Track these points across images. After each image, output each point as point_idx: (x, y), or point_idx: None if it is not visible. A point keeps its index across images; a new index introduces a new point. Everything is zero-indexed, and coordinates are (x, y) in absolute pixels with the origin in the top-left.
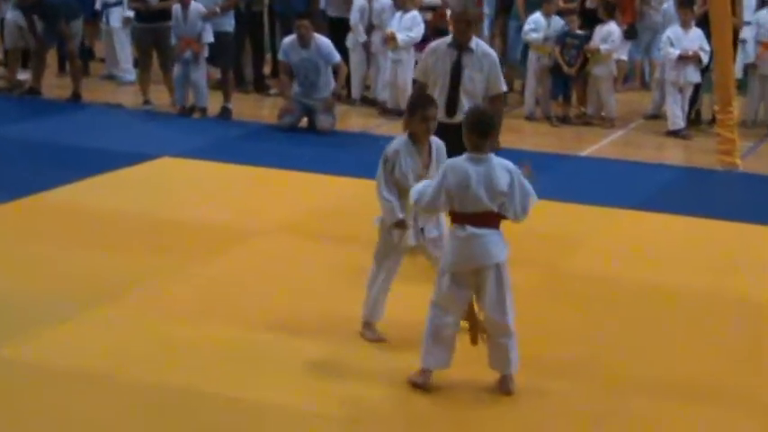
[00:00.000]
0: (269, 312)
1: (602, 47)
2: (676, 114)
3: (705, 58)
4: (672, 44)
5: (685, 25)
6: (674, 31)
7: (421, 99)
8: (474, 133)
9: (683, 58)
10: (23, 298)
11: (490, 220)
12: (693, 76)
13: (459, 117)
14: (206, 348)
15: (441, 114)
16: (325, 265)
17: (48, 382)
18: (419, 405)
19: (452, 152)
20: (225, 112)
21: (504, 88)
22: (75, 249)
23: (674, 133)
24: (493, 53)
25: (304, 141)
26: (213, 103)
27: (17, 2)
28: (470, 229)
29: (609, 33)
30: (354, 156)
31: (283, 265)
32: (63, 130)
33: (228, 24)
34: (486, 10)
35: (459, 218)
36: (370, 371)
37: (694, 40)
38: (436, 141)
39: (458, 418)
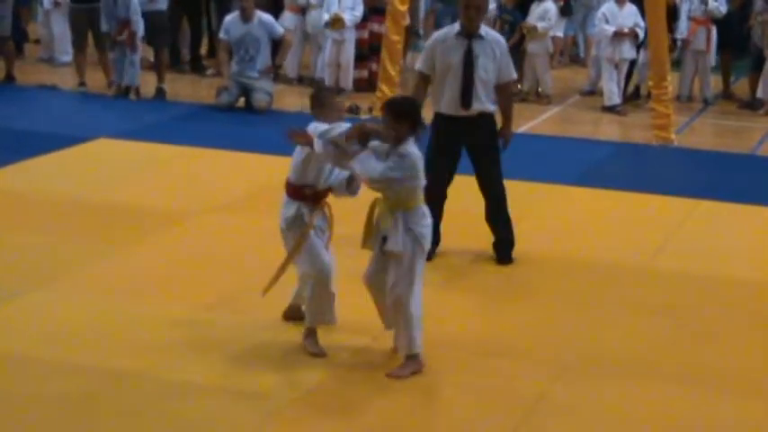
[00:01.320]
0: (206, 291)
1: (540, 24)
2: (612, 90)
3: (641, 35)
4: (607, 21)
5: (620, 2)
6: (608, 7)
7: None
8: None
9: (619, 35)
10: None
11: None
12: (628, 52)
13: (477, 108)
14: (142, 330)
15: (454, 107)
16: (261, 243)
17: None
18: (361, 387)
19: (467, 146)
20: (159, 93)
21: (515, 75)
22: (9, 233)
23: (610, 109)
24: (502, 39)
25: (241, 121)
26: (148, 85)
27: None
28: None
29: (546, 11)
30: None
31: (220, 244)
32: None
33: (162, 3)
34: None
35: None
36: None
37: (629, 16)
38: None
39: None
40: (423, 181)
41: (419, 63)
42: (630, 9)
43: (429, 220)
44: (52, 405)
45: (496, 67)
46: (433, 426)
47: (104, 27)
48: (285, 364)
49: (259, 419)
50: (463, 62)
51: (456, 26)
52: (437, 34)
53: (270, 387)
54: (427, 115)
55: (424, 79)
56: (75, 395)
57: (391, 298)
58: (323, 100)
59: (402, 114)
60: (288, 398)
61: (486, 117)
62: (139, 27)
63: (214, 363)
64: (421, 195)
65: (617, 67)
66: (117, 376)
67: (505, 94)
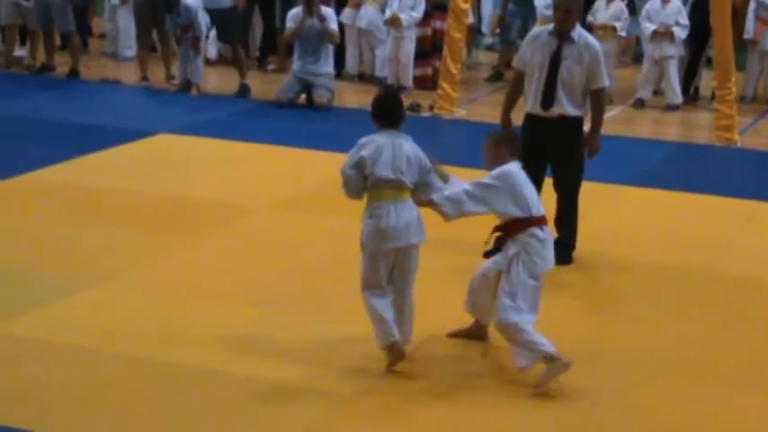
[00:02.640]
0: (266, 288)
1: (617, 24)
2: (674, 89)
3: (681, 33)
4: (649, 18)
5: (663, 2)
6: (652, 4)
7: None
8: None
9: (659, 33)
10: (24, 274)
11: None
12: (672, 49)
13: (557, 111)
14: (201, 325)
15: (536, 107)
16: (323, 240)
17: (47, 356)
18: (417, 382)
19: (546, 147)
20: (243, 89)
21: (607, 83)
22: (71, 227)
23: (672, 108)
24: (596, 45)
25: (302, 117)
26: (210, 81)
27: None
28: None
29: (621, 11)
30: (351, 132)
31: (279, 240)
32: (62, 107)
33: (227, 1)
34: None
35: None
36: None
37: (671, 14)
38: None
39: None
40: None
41: (515, 60)
42: (674, 6)
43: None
44: (110, 394)
45: (584, 71)
46: None
47: (169, 25)
48: (343, 359)
49: (322, 414)
50: (549, 62)
51: (551, 25)
52: (534, 31)
53: (328, 384)
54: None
55: (519, 75)
56: (133, 386)
57: None
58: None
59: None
60: (348, 393)
61: (570, 121)
62: (202, 31)
63: (271, 357)
64: None
65: (657, 64)
66: (173, 369)
67: (595, 101)
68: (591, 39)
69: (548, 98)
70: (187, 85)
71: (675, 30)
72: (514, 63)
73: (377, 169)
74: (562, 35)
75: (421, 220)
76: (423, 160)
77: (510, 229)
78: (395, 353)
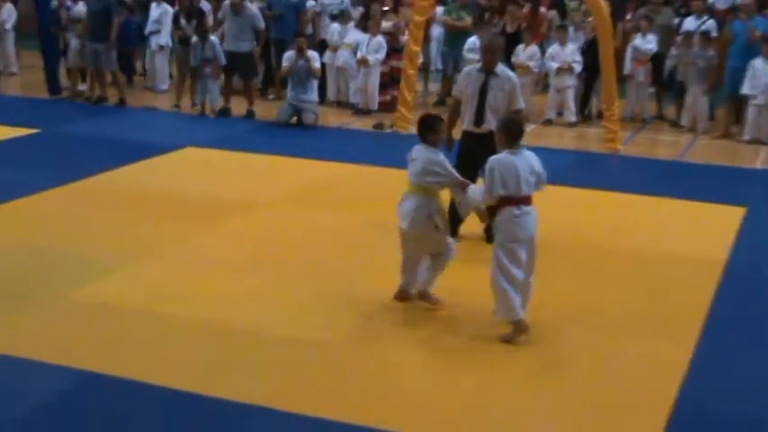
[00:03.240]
0: (275, 261)
1: (531, 63)
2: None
3: (578, 68)
4: (553, 58)
5: (562, 43)
6: (553, 48)
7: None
8: (509, 134)
9: (561, 69)
10: (87, 253)
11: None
12: (568, 81)
13: (486, 127)
14: (229, 290)
15: (470, 125)
16: (318, 225)
17: (109, 316)
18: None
19: (479, 155)
20: (250, 114)
21: (523, 105)
22: (123, 218)
23: (572, 125)
24: (514, 77)
25: (295, 134)
26: (238, 107)
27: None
28: (525, 208)
29: (534, 53)
30: (333, 145)
31: (284, 227)
32: (113, 128)
33: (246, 45)
34: None
35: (513, 201)
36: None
37: (569, 54)
38: None
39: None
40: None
41: (454, 89)
42: (569, 49)
43: None
44: (158, 346)
45: (506, 97)
46: None
47: (193, 62)
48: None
49: (321, 360)
50: (479, 91)
51: (479, 64)
52: (466, 68)
53: (337, 337)
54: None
55: (457, 102)
56: (177, 338)
57: None
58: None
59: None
60: (347, 342)
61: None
62: (223, 62)
63: (279, 315)
64: None
65: (559, 92)
66: (204, 324)
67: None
68: (510, 72)
69: (479, 118)
70: (205, 108)
71: (575, 65)
72: (453, 92)
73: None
74: (488, 71)
75: None
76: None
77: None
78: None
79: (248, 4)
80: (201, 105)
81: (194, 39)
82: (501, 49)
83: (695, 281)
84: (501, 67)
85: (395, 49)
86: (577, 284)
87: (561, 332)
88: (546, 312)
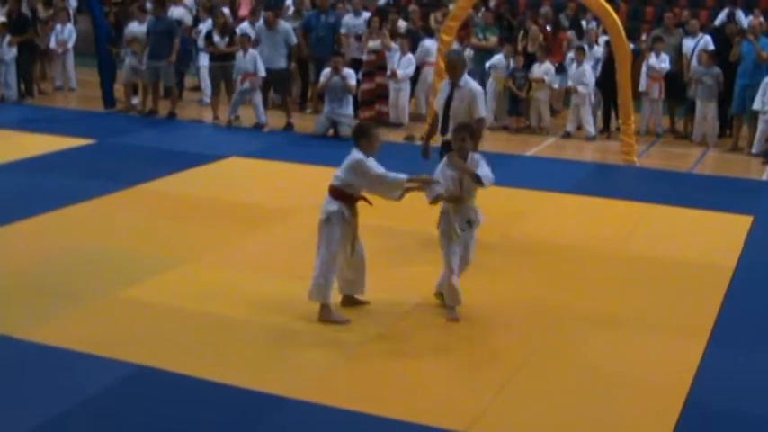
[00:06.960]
0: (309, 265)
1: (546, 78)
2: (589, 126)
3: (583, 90)
4: (569, 77)
5: (578, 63)
6: (572, 67)
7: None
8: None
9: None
10: (138, 254)
11: None
12: (579, 98)
13: (449, 136)
14: (270, 292)
15: (441, 132)
16: None
17: (153, 314)
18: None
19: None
20: (289, 126)
21: (483, 114)
22: (172, 222)
23: (590, 138)
24: (475, 88)
25: (331, 146)
26: (277, 120)
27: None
28: None
29: (548, 69)
30: None
31: (314, 232)
32: (163, 139)
33: (282, 62)
34: None
35: None
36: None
37: (580, 75)
38: None
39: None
40: None
41: (435, 102)
42: (581, 70)
43: None
44: (190, 340)
45: (466, 107)
46: None
47: (234, 76)
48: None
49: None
50: (445, 103)
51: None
52: (442, 82)
53: (365, 337)
54: None
55: (436, 114)
56: (208, 334)
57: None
58: (368, 133)
59: None
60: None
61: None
62: (264, 74)
63: (306, 313)
64: None
65: (575, 107)
66: (243, 323)
67: (476, 126)
68: (473, 84)
69: (444, 127)
70: (233, 121)
71: (580, 88)
72: (434, 105)
73: None
74: (453, 84)
75: None
76: None
77: None
78: None
79: (281, 21)
80: (232, 118)
81: (239, 52)
82: (463, 64)
83: (705, 285)
84: (465, 79)
85: (379, 67)
86: (593, 287)
87: (578, 333)
88: (564, 314)
